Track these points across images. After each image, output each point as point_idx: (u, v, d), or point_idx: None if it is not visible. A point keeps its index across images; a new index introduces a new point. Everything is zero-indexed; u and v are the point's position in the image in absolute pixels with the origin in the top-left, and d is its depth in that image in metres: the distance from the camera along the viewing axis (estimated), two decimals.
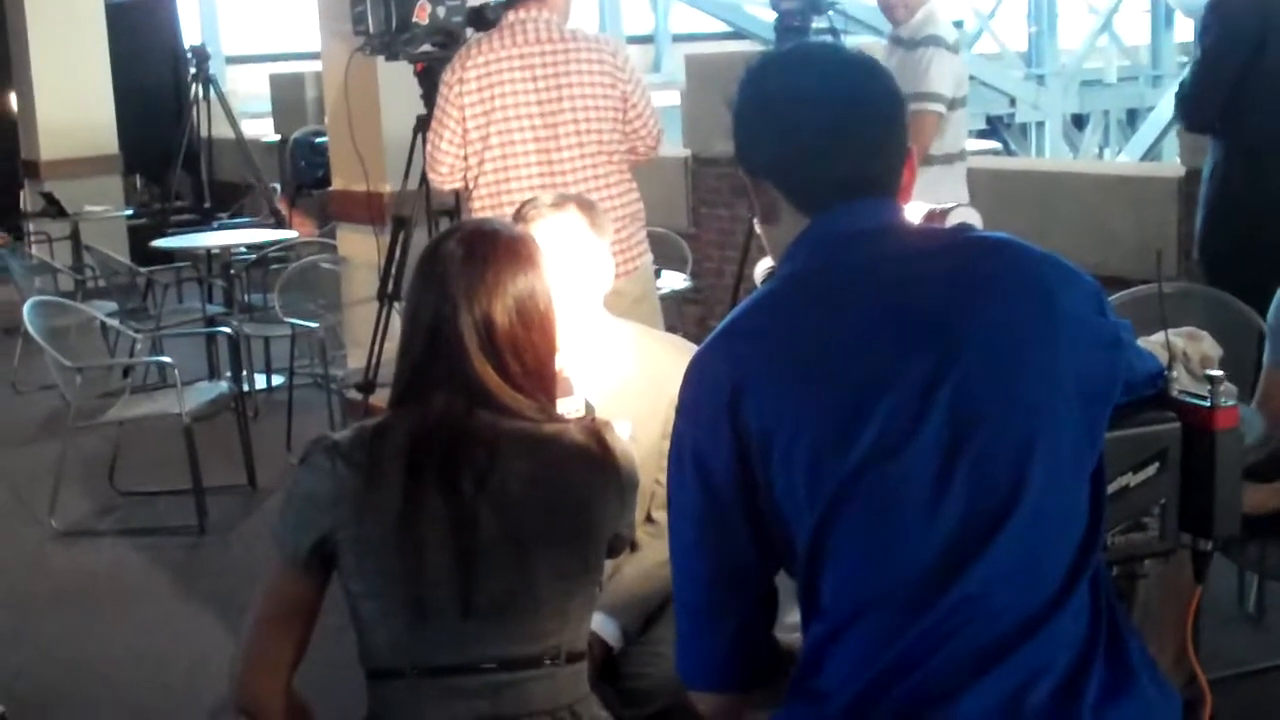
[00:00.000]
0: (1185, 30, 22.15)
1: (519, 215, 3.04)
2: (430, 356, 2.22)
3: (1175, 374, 1.97)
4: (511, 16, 4.53)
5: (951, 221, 1.94)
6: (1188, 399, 1.93)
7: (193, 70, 10.55)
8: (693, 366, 1.85)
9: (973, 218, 1.96)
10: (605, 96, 4.54)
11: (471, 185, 4.52)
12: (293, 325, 6.89)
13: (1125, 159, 18.03)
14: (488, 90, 4.44)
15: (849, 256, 1.80)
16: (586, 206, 3.06)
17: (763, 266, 2.13)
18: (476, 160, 4.47)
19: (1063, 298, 1.78)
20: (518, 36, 4.49)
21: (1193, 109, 5.00)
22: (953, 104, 5.39)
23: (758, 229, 1.91)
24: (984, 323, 1.73)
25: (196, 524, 5.73)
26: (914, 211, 1.94)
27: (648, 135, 4.67)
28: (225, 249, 7.96)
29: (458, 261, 2.23)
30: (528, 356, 2.23)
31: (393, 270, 5.59)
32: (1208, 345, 3.64)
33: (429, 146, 4.57)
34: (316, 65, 8.68)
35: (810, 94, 1.84)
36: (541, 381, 2.26)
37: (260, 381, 7.72)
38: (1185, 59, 20.38)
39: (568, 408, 2.32)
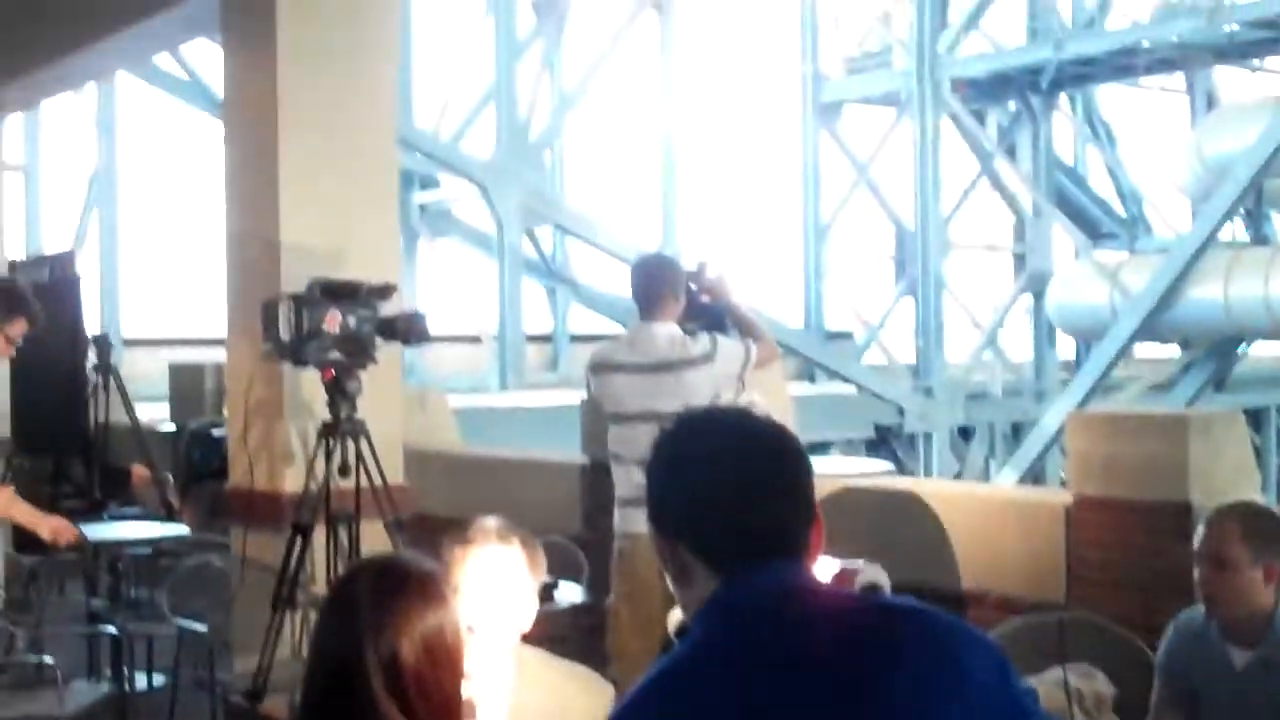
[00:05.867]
0: (1067, 348, 22.96)
1: (463, 536, 3.05)
2: (331, 694, 2.20)
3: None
4: None
5: (860, 582, 1.98)
6: None
7: (94, 361, 10.48)
8: None
9: (880, 577, 2.00)
10: None
11: None
12: (180, 626, 6.73)
13: (1010, 472, 18.42)
14: None
15: (754, 627, 1.82)
16: (530, 546, 3.08)
17: (675, 617, 2.15)
18: None
19: (970, 665, 1.81)
20: None
21: None
22: None
23: (672, 588, 1.93)
24: (892, 692, 1.75)
25: None
26: (823, 569, 1.98)
27: None
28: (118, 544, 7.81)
29: (366, 597, 2.23)
30: (434, 695, 2.22)
31: (287, 577, 5.52)
32: (1101, 684, 3.71)
33: None
34: (216, 352, 8.69)
35: (718, 456, 1.89)
36: (448, 718, 2.24)
37: (141, 681, 7.48)
38: (1067, 376, 21.07)
39: None
